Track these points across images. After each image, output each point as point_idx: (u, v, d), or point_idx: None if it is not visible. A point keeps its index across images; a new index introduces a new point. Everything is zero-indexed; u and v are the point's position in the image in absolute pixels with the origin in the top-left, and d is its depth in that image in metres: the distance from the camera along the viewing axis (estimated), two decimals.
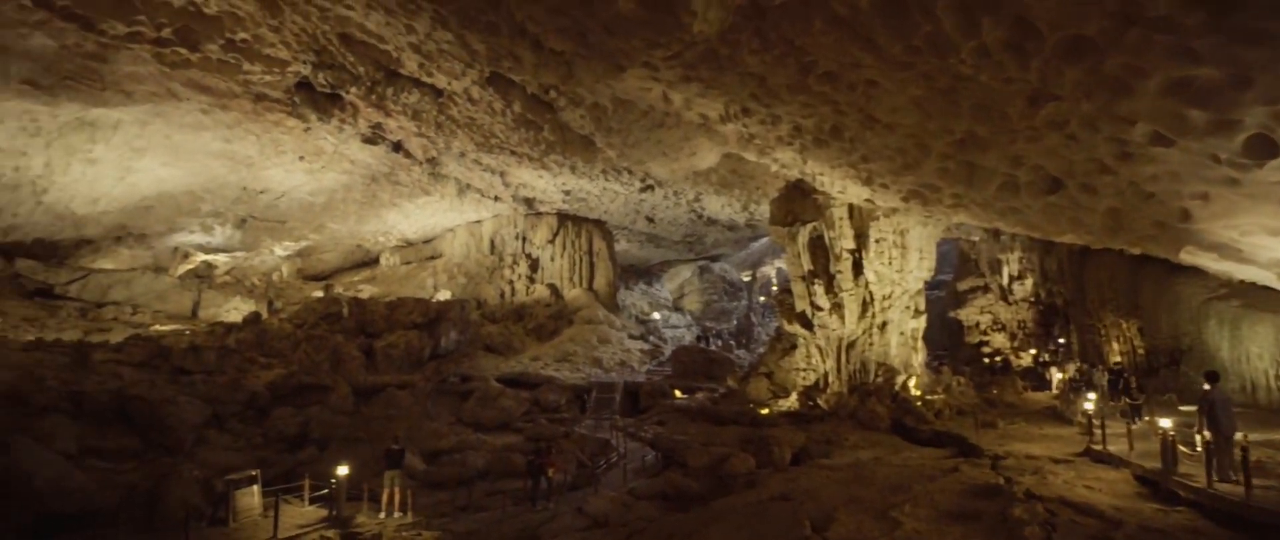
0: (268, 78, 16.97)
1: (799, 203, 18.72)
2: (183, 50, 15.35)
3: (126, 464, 13.76)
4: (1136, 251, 10.23)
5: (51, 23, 14.04)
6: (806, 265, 18.86)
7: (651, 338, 32.16)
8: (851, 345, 18.74)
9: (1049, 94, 6.92)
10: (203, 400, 16.47)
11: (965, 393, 18.94)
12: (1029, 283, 27.28)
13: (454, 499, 12.74)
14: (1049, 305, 26.82)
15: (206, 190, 24.66)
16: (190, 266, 29.73)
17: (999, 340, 27.83)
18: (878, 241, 18.10)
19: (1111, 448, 11.08)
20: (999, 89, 7.32)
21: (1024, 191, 9.40)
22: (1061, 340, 25.47)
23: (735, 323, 40.66)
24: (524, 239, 32.72)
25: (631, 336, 30.83)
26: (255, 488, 10.45)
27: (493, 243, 33.11)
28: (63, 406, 14.54)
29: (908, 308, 19.35)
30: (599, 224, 32.70)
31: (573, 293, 32.18)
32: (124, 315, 26.47)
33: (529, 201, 29.35)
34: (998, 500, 9.10)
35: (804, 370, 19.96)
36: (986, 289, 28.59)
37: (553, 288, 32.39)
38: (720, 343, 34.32)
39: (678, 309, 40.93)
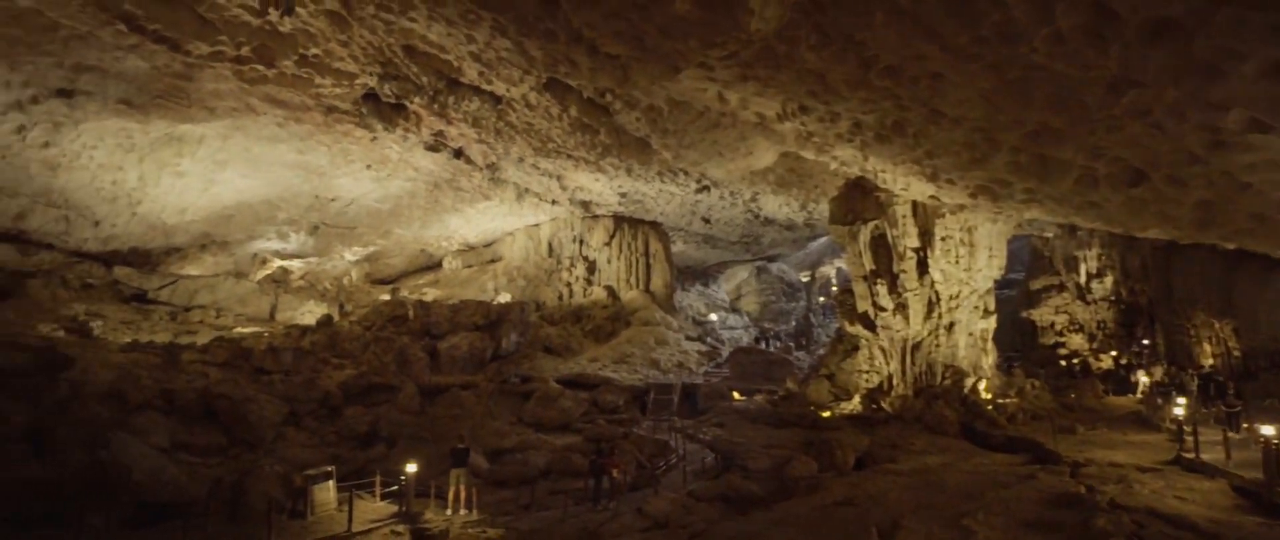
0: (337, 90, 17.72)
1: (860, 201, 18.29)
2: (260, 67, 16.20)
3: (213, 459, 14.61)
4: (1231, 246, 9.55)
5: (144, 46, 15.06)
6: (868, 265, 18.40)
7: (709, 339, 32.00)
8: (917, 347, 18.18)
9: (1131, 81, 6.54)
10: (281, 399, 17.33)
11: (1040, 396, 18.09)
12: (1109, 281, 25.83)
13: (517, 497, 13.00)
14: (1131, 304, 25.33)
15: (282, 199, 25.95)
16: (268, 272, 31.32)
17: (1076, 342, 26.44)
18: (944, 239, 17.49)
19: (1205, 456, 10.38)
20: (1075, 77, 6.97)
21: (1103, 185, 8.92)
22: (1145, 342, 24.01)
23: (794, 324, 40.02)
24: (581, 241, 33.10)
25: (689, 338, 30.76)
26: (330, 483, 10.91)
27: (550, 246, 33.61)
28: (156, 404, 15.56)
29: (976, 308, 18.62)
30: (655, 226, 32.77)
31: (629, 295, 32.35)
32: (209, 318, 28.11)
33: (586, 204, 29.67)
34: (1079, 510, 8.65)
35: (867, 372, 19.47)
36: (1062, 288, 27.21)
37: (610, 290, 32.64)
38: (779, 344, 33.85)
39: (735, 310, 40.59)
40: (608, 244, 32.93)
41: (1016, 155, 9.47)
